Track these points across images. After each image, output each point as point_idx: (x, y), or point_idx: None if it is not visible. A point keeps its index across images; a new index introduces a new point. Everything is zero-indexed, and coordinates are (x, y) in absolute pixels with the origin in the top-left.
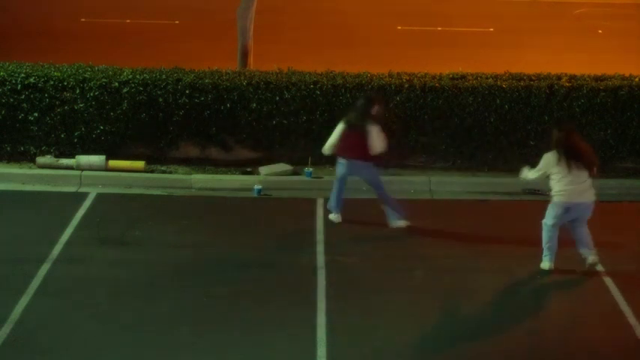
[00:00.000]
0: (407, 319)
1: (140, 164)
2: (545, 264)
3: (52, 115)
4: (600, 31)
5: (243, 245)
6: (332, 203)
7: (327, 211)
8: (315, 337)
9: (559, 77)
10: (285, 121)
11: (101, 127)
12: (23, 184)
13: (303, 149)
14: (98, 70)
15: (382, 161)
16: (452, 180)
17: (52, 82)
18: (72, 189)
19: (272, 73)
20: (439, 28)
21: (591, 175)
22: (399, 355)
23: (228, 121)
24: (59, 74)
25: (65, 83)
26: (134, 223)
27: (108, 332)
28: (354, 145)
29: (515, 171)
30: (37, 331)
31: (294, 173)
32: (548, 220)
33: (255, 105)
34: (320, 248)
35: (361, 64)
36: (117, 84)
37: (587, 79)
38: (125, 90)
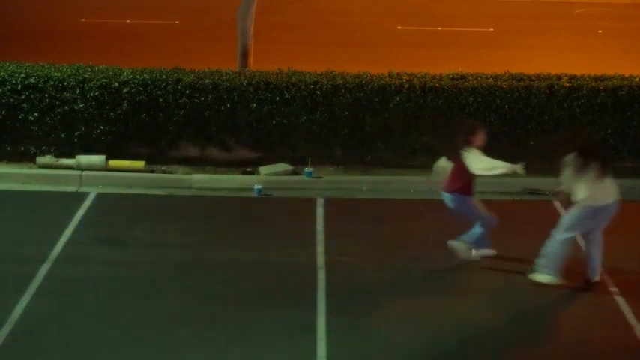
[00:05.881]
0: (407, 319)
1: (140, 164)
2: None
3: (52, 115)
4: (600, 31)
5: (243, 245)
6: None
7: (327, 211)
8: (315, 337)
9: (559, 77)
10: (285, 121)
11: (101, 127)
12: (23, 184)
13: (303, 149)
14: (98, 70)
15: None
16: None
17: (52, 82)
18: (72, 189)
19: (272, 73)
20: (439, 28)
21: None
22: (398, 355)
23: (228, 121)
24: (59, 74)
25: (65, 83)
26: (134, 223)
27: (108, 332)
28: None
29: None
30: (37, 331)
31: (294, 173)
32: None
33: (255, 105)
34: (320, 248)
35: (361, 64)
36: (117, 84)
37: (587, 79)
38: (125, 90)
